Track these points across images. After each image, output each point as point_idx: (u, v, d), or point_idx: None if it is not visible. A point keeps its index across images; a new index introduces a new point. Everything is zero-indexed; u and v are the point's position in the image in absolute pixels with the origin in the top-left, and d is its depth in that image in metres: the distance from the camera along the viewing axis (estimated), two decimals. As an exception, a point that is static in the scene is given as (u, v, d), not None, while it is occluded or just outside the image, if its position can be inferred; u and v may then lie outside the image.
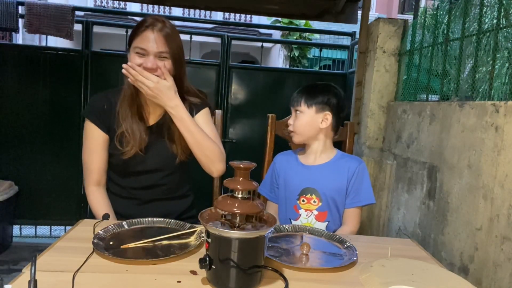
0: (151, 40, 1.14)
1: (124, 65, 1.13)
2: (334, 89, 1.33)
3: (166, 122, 1.28)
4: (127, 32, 2.83)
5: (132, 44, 1.17)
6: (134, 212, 1.25)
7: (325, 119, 1.30)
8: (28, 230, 3.00)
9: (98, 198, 1.26)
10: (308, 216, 1.30)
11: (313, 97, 1.30)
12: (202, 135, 1.20)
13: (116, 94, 1.27)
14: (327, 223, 1.29)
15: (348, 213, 1.31)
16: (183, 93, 1.28)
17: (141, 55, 1.15)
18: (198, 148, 1.20)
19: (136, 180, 1.28)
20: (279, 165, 1.41)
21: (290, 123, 1.34)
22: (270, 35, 9.93)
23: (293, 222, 1.31)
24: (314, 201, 1.29)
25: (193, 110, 1.30)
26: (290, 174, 1.36)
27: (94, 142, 1.24)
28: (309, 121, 1.30)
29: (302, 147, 1.41)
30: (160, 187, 1.31)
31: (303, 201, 1.31)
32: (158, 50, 1.15)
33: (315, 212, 1.30)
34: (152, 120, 1.29)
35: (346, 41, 6.58)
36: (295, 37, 9.28)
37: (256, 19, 9.25)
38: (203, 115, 1.33)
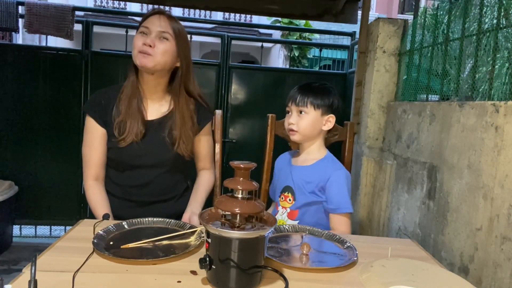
0: (156, 21, 1.22)
1: None
2: (334, 91, 1.35)
3: (168, 121, 1.30)
4: (127, 32, 2.83)
5: (138, 28, 1.24)
6: (131, 215, 1.25)
7: (329, 121, 1.33)
8: (28, 230, 3.00)
9: (95, 192, 1.28)
10: (282, 213, 1.34)
11: (319, 99, 1.29)
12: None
13: (116, 90, 1.31)
14: (297, 222, 1.31)
15: (333, 219, 1.30)
16: (189, 87, 1.34)
17: (143, 34, 1.22)
18: None
19: (133, 175, 1.29)
20: (277, 167, 1.48)
21: (292, 122, 1.31)
22: (270, 35, 9.93)
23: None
24: (289, 199, 1.33)
25: (200, 115, 1.37)
26: (280, 173, 1.42)
27: (93, 137, 1.27)
28: (313, 122, 1.30)
29: (298, 147, 1.43)
30: (157, 185, 1.31)
31: (282, 198, 1.35)
32: (161, 29, 1.22)
33: (288, 210, 1.33)
34: (151, 115, 1.31)
35: (346, 41, 6.58)
36: (295, 37, 9.27)
37: (256, 19, 9.24)
38: (208, 130, 1.43)
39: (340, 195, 1.27)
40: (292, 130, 1.31)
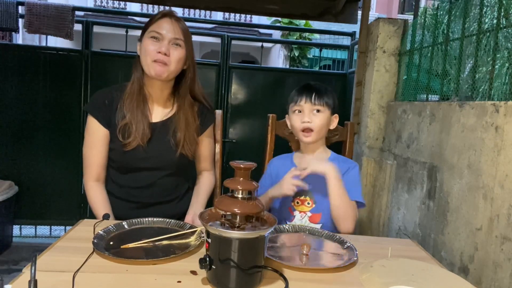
0: (168, 26, 1.20)
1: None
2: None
3: (172, 123, 1.29)
4: (127, 32, 2.83)
5: (147, 30, 1.21)
6: (132, 215, 1.25)
7: (333, 121, 1.34)
8: (28, 230, 3.00)
9: (96, 193, 1.27)
10: (302, 217, 1.29)
11: (330, 99, 1.30)
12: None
13: (119, 90, 1.29)
14: (321, 225, 1.28)
15: None
16: (194, 89, 1.34)
17: (155, 40, 1.19)
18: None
19: (136, 177, 1.28)
20: (274, 172, 1.40)
21: (308, 121, 1.26)
22: (270, 35, 9.92)
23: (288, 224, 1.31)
24: (308, 203, 1.29)
25: (203, 117, 1.36)
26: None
27: (95, 137, 1.25)
28: (327, 121, 1.30)
29: (298, 149, 1.41)
30: (159, 187, 1.30)
31: (297, 203, 1.30)
32: (174, 36, 1.20)
33: (309, 214, 1.29)
34: (156, 117, 1.30)
35: (346, 41, 6.57)
36: (295, 37, 9.27)
37: (256, 19, 9.25)
38: (210, 132, 1.41)
39: (354, 187, 1.25)
40: (308, 129, 1.27)
